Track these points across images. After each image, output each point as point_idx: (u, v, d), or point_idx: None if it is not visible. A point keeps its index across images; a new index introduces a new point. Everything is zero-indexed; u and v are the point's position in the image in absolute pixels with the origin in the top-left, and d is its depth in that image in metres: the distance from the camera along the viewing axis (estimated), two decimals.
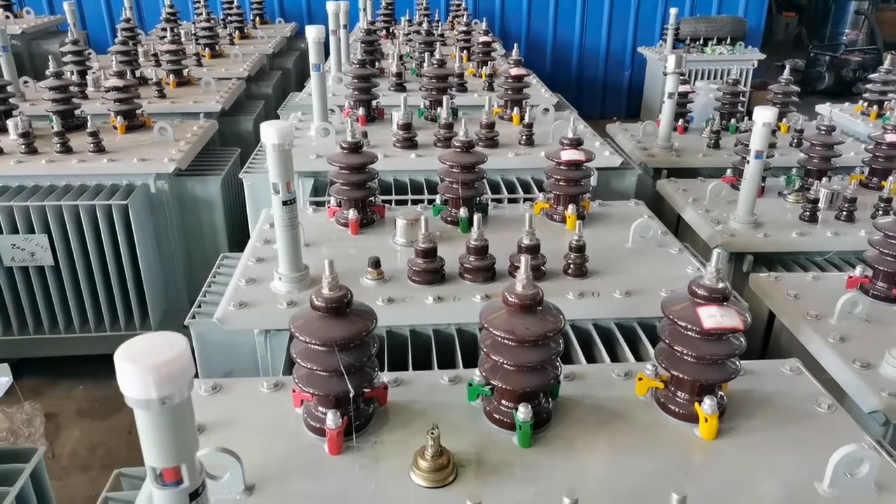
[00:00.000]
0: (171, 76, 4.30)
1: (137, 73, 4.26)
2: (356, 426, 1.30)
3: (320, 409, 1.30)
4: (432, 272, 1.87)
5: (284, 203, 1.76)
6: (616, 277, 1.94)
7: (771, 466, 1.26)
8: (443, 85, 3.19)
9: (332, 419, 1.25)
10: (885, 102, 3.92)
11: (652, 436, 1.33)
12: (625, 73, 7.94)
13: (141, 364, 0.75)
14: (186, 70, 4.44)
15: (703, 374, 1.31)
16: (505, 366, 1.29)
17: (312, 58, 2.88)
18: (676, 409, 1.36)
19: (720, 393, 1.37)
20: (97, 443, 3.02)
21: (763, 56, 7.04)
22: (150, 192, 2.98)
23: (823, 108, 3.96)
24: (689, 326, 1.29)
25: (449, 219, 2.26)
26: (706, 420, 1.30)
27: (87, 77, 4.14)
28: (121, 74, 3.42)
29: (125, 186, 2.96)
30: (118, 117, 3.32)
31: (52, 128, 3.06)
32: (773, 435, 1.34)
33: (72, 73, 4.06)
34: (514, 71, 3.19)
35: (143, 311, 3.09)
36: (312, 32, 2.85)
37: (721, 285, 1.29)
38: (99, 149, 3.03)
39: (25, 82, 4.07)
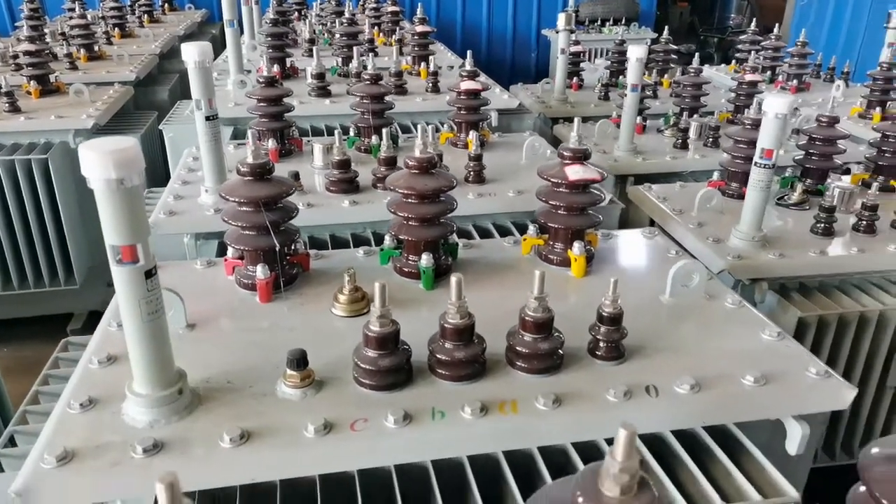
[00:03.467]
0: (82, 50, 4.31)
1: (45, 53, 4.24)
2: (283, 282, 1.51)
3: (250, 267, 1.50)
4: (347, 181, 2.09)
5: (207, 118, 1.93)
6: (511, 183, 2.21)
7: (627, 289, 1.53)
8: (353, 42, 3.40)
9: (261, 271, 1.45)
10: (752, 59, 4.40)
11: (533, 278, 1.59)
12: (531, 55, 8.35)
13: (101, 150, 0.94)
14: (97, 45, 4.46)
15: (573, 221, 1.58)
16: (410, 221, 1.52)
17: (226, 14, 3.04)
18: (554, 258, 1.64)
19: (588, 247, 1.65)
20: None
21: (655, 34, 7.57)
22: (70, 148, 3.05)
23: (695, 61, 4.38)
24: (559, 182, 1.56)
25: (363, 148, 2.48)
26: (575, 260, 1.58)
27: None
28: (31, 40, 3.45)
29: (43, 144, 3.01)
30: (31, 82, 3.36)
31: None
32: (630, 272, 1.64)
33: None
34: (420, 28, 3.44)
35: (67, 267, 3.15)
36: None
37: (583, 146, 1.57)
38: (14, 108, 3.07)
39: None
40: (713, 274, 1.61)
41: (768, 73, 4.17)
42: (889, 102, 3.34)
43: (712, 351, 1.32)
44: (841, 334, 1.97)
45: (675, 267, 1.47)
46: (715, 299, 1.50)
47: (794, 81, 4.02)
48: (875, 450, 0.72)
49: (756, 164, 1.92)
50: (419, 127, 1.52)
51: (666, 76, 4.11)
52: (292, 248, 1.57)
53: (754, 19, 4.50)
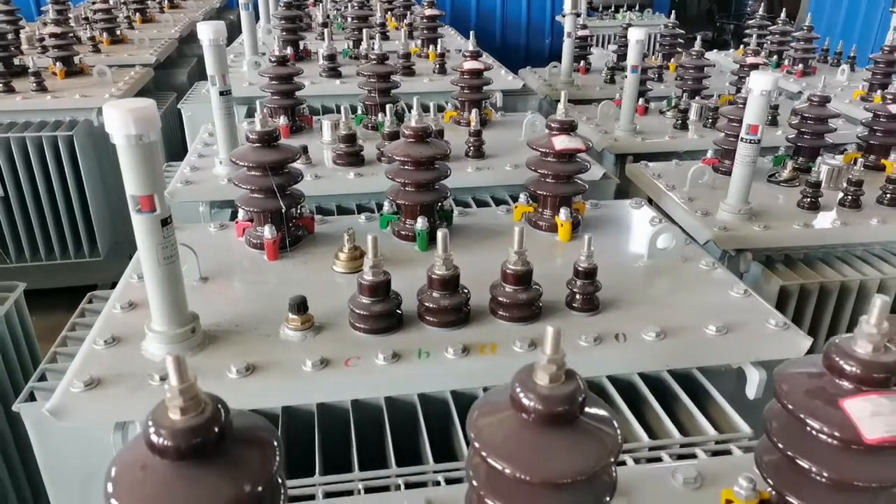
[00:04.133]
0: (105, 34, 4.46)
1: (70, 35, 4.40)
2: (289, 242, 1.63)
3: (258, 228, 1.62)
4: (353, 155, 2.21)
5: (221, 93, 2.05)
6: (508, 158, 2.31)
7: (608, 252, 1.64)
8: (364, 25, 3.50)
9: (268, 231, 1.57)
10: (763, 44, 4.44)
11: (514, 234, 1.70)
12: (545, 41, 8.39)
13: (123, 108, 1.06)
14: (119, 29, 4.61)
15: (560, 189, 1.69)
16: (406, 187, 1.64)
17: None
18: (542, 224, 1.74)
19: (575, 214, 1.75)
20: None
21: (669, 21, 7.58)
22: (94, 126, 3.19)
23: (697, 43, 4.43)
24: (547, 151, 1.66)
25: (370, 125, 2.59)
26: (562, 225, 1.68)
27: (20, 36, 4.26)
28: (57, 23, 3.60)
29: (68, 122, 3.16)
30: (57, 63, 3.51)
31: None
32: (614, 238, 1.74)
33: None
34: (429, 11, 3.54)
35: (91, 239, 3.31)
36: None
37: (569, 118, 1.67)
38: (41, 88, 3.23)
39: None
40: (691, 240, 1.71)
41: (774, 57, 4.22)
42: (891, 85, 3.38)
43: (681, 305, 1.42)
44: (822, 304, 2.05)
45: (652, 230, 1.57)
46: (690, 261, 1.60)
47: (800, 66, 4.07)
48: (785, 368, 0.82)
49: (742, 139, 2.00)
50: (415, 99, 1.63)
51: (672, 60, 4.18)
52: (298, 211, 1.69)
53: (762, 3, 4.53)
